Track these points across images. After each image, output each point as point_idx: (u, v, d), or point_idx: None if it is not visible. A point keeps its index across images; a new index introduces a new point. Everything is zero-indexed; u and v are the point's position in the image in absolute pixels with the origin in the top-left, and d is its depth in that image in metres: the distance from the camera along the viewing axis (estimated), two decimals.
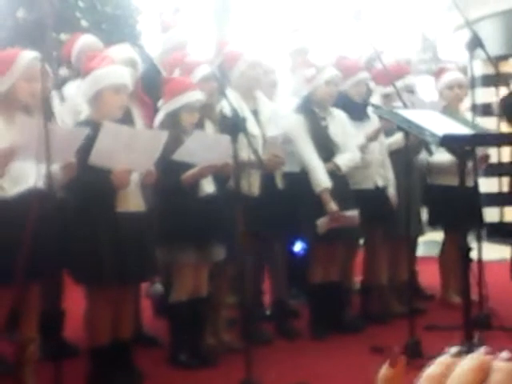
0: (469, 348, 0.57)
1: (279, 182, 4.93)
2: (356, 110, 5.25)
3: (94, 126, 3.85)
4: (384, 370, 0.58)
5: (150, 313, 5.20)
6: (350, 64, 5.34)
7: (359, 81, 5.28)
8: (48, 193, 3.58)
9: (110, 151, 3.74)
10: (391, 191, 5.26)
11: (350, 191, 5.06)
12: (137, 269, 3.96)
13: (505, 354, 0.55)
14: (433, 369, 0.56)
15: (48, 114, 3.64)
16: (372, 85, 5.64)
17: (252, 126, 4.71)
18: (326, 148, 5.00)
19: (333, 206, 4.85)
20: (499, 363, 0.55)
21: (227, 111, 4.47)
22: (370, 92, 5.62)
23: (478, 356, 0.55)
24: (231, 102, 4.29)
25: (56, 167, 3.68)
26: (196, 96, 4.36)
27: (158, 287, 4.97)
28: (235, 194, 4.09)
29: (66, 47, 5.10)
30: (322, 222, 4.80)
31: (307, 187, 4.91)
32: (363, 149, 5.14)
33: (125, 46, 4.79)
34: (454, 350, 0.57)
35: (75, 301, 4.43)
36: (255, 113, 4.89)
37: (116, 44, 4.85)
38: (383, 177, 5.27)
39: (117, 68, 4.08)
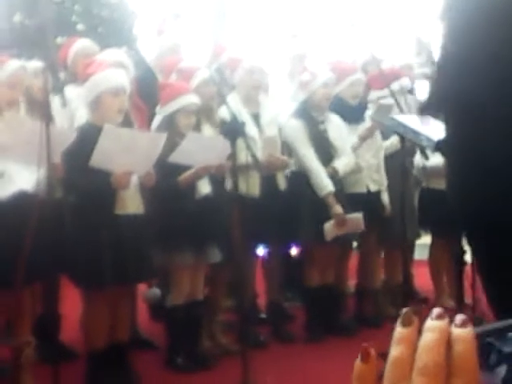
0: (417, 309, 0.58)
1: (281, 183, 4.97)
2: (351, 113, 5.28)
3: (94, 130, 3.88)
4: (357, 367, 0.58)
5: (146, 316, 5.21)
6: (344, 66, 5.37)
7: (353, 82, 5.29)
8: (44, 195, 3.61)
9: (110, 153, 3.77)
10: (385, 196, 5.29)
11: (346, 195, 5.10)
12: (135, 270, 3.99)
13: (459, 319, 0.55)
14: (396, 350, 0.56)
15: (47, 118, 3.67)
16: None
17: (251, 129, 4.76)
18: (326, 152, 5.04)
19: (338, 208, 4.90)
20: (458, 331, 0.54)
21: (226, 116, 4.49)
22: (365, 96, 5.64)
23: (434, 325, 0.55)
24: (230, 107, 4.32)
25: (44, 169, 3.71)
26: (191, 99, 4.39)
27: (156, 291, 4.98)
28: (233, 195, 4.12)
29: (62, 51, 5.12)
30: (328, 227, 4.84)
31: (307, 190, 4.95)
32: (356, 149, 5.17)
33: (114, 50, 4.81)
34: (402, 318, 0.56)
35: (71, 304, 4.45)
36: (256, 116, 4.93)
37: (112, 48, 4.87)
38: (376, 181, 5.29)
39: (114, 71, 4.12)
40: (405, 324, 0.56)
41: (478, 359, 0.54)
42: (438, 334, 0.54)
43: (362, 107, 5.41)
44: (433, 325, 0.55)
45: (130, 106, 4.42)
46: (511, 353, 0.60)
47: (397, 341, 0.56)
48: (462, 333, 0.54)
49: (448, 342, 0.54)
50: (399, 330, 0.56)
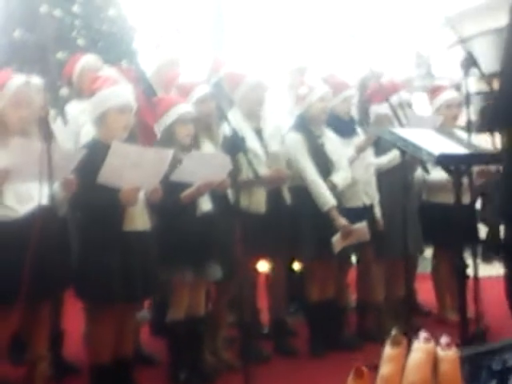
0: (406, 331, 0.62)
1: (287, 198, 4.97)
2: (344, 127, 5.30)
3: (100, 147, 3.89)
4: (350, 383, 0.61)
5: (147, 331, 5.20)
6: (337, 81, 5.38)
7: (346, 97, 5.32)
8: (52, 210, 3.61)
9: (118, 170, 3.77)
10: (377, 210, 5.30)
11: (344, 209, 5.10)
12: (142, 287, 4.00)
13: (444, 340, 0.59)
14: (385, 369, 0.59)
15: (47, 136, 3.66)
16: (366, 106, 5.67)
17: (255, 144, 4.76)
18: (324, 166, 5.05)
19: (342, 221, 4.90)
20: (443, 352, 0.59)
21: (227, 131, 4.49)
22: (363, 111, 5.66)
23: (422, 347, 0.59)
24: (230, 123, 4.32)
25: (56, 185, 3.72)
26: (185, 108, 4.39)
27: (145, 314, 5.00)
28: (235, 212, 4.12)
29: (67, 67, 5.13)
30: (336, 240, 4.84)
31: (305, 206, 4.95)
32: (353, 161, 5.18)
33: (111, 70, 4.81)
34: (391, 339, 0.60)
35: (72, 319, 4.44)
36: (259, 131, 4.94)
37: (113, 62, 4.88)
38: (369, 195, 5.31)
39: (120, 88, 4.11)
40: (394, 344, 0.60)
41: (462, 377, 0.59)
42: (424, 354, 0.59)
43: (352, 122, 5.43)
44: (420, 346, 0.60)
45: (136, 122, 4.43)
46: (500, 370, 0.67)
47: (386, 360, 0.60)
48: (447, 354, 0.59)
49: (434, 362, 0.59)
50: (388, 350, 0.60)
